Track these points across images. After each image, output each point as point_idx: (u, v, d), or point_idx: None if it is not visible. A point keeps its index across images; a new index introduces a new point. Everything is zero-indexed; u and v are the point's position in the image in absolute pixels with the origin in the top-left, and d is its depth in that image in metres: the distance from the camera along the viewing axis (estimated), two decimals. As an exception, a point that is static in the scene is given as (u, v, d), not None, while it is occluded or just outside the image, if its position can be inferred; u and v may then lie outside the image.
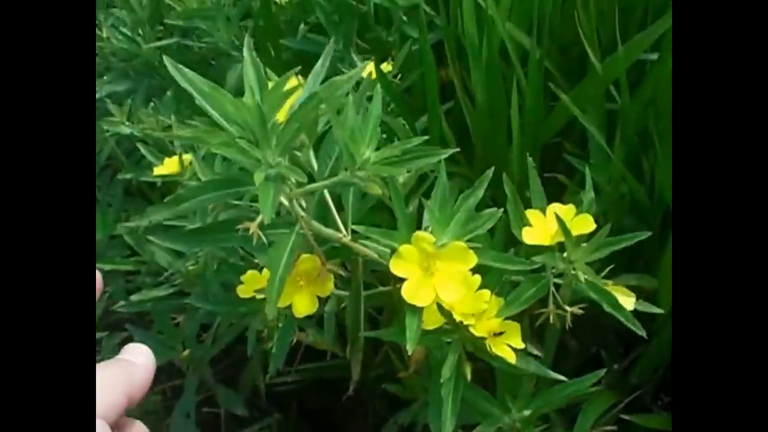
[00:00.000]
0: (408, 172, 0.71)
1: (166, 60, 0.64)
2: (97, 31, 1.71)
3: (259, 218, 0.62)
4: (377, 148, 0.63)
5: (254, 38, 1.30)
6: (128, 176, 1.38)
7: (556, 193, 0.81)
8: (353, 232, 0.71)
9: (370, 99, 0.69)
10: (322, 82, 0.67)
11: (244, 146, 0.57)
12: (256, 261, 0.94)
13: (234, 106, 0.58)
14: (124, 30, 1.61)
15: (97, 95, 1.59)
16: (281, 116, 0.61)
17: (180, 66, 0.64)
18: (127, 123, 1.37)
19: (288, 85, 0.62)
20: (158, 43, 1.53)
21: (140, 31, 1.59)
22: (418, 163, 0.65)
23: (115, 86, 1.57)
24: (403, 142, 0.65)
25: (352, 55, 1.11)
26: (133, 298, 1.17)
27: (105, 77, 1.67)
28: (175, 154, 1.19)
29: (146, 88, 1.49)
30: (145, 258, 1.32)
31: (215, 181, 0.64)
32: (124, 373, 0.44)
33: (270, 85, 0.62)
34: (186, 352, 1.21)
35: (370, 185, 0.63)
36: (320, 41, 1.17)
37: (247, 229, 0.62)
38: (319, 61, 0.69)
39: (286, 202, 0.66)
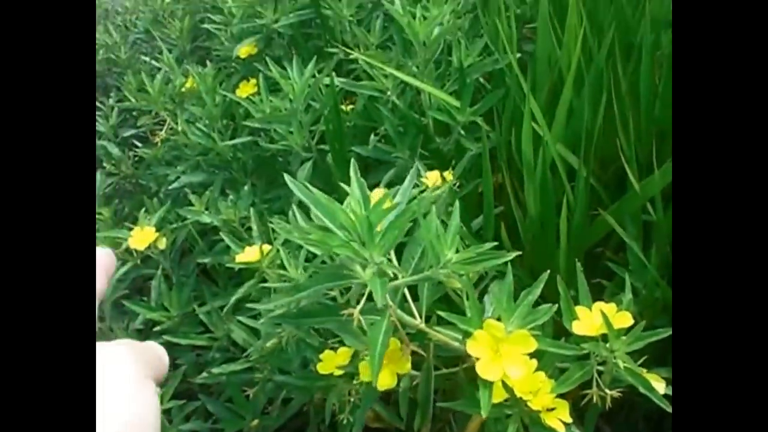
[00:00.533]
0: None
1: (288, 178, 0.79)
2: (173, 125, 1.91)
3: (360, 305, 0.77)
4: (456, 250, 0.78)
5: (324, 142, 1.49)
6: (206, 260, 1.54)
7: (596, 294, 0.95)
8: (427, 318, 0.85)
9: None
10: (388, 185, 0.82)
11: (355, 247, 0.72)
12: (331, 342, 1.08)
13: (346, 216, 0.74)
14: (200, 126, 1.80)
15: (176, 185, 1.76)
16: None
17: (296, 181, 0.80)
18: (206, 212, 1.53)
19: (376, 194, 0.77)
20: (233, 141, 1.70)
21: (214, 128, 1.77)
22: (488, 264, 0.80)
23: (192, 177, 1.75)
24: (476, 247, 0.80)
25: (416, 163, 1.27)
26: (214, 371, 1.30)
27: (179, 167, 1.85)
28: (250, 243, 1.35)
29: (222, 180, 1.66)
30: (217, 335, 1.46)
31: (326, 274, 0.79)
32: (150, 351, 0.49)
33: (371, 196, 0.77)
34: (255, 422, 1.33)
35: (451, 281, 0.78)
36: (387, 150, 1.33)
37: (349, 315, 0.77)
38: (407, 180, 0.84)
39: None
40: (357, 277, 0.75)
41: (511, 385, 0.79)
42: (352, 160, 0.82)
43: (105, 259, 0.51)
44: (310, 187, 0.79)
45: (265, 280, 1.30)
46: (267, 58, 1.84)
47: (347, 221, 0.74)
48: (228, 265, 1.34)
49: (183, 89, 1.92)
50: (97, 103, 2.52)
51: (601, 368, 0.86)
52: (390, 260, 0.78)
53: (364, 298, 0.78)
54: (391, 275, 0.76)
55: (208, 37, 2.56)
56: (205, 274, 1.72)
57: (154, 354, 0.49)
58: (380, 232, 0.74)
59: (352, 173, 0.79)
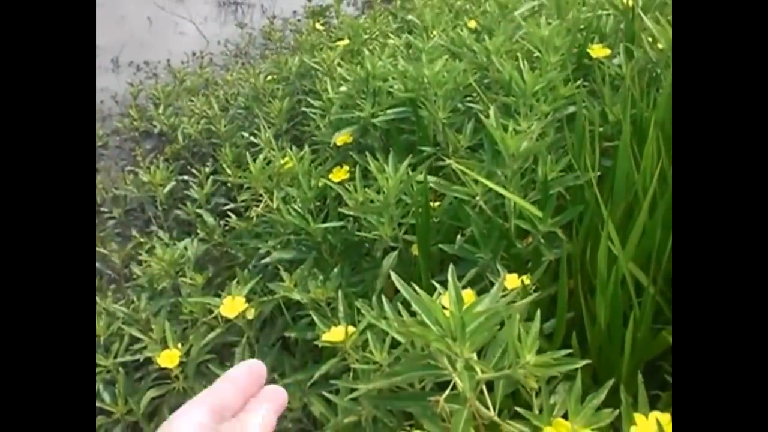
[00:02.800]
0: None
1: (393, 274, 0.91)
2: (269, 202, 2.05)
3: (445, 394, 0.87)
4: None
5: (412, 234, 1.61)
6: (291, 335, 1.66)
7: (653, 404, 1.03)
8: (499, 411, 0.95)
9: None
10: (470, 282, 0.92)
11: (449, 343, 0.83)
12: (406, 423, 1.18)
13: (443, 315, 0.85)
14: (295, 206, 1.94)
15: (268, 260, 1.90)
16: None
17: (398, 277, 0.91)
18: (295, 289, 1.66)
19: (466, 298, 0.88)
20: (325, 225, 1.84)
21: (307, 209, 1.91)
22: (562, 369, 0.90)
23: (283, 254, 1.88)
24: (552, 353, 0.90)
25: (497, 265, 1.38)
26: (292, 440, 1.41)
27: (270, 242, 1.99)
28: (335, 323, 1.47)
29: (313, 259, 1.78)
30: (293, 405, 1.57)
31: (418, 363, 0.90)
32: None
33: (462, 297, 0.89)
34: (324, 494, 1.43)
35: (528, 380, 0.88)
36: (470, 249, 1.45)
37: (435, 401, 0.87)
38: (495, 288, 0.95)
39: (459, 383, 0.90)
40: (445, 369, 0.86)
41: (574, 481, 0.87)
42: (451, 266, 0.93)
43: (280, 397, 0.58)
44: (415, 288, 0.90)
45: (344, 359, 1.42)
46: (362, 149, 2.00)
47: (443, 319, 0.85)
48: (317, 342, 1.46)
49: (281, 169, 2.07)
50: (194, 171, 2.71)
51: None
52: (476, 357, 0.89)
53: (449, 388, 0.88)
54: (477, 370, 0.86)
55: (304, 119, 2.75)
56: (283, 346, 1.83)
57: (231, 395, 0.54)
58: (471, 331, 0.85)
59: (450, 276, 0.91)
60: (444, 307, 0.87)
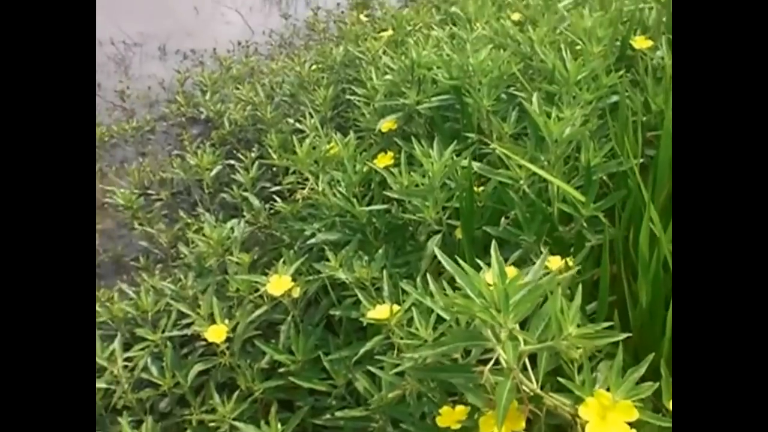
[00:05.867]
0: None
1: (437, 251, 0.95)
2: (315, 186, 2.09)
3: (489, 365, 0.91)
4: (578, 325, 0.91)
5: (453, 218, 1.64)
6: (336, 313, 1.70)
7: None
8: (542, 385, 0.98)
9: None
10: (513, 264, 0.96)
11: (493, 314, 0.86)
12: (449, 398, 1.21)
13: (486, 288, 0.88)
14: (340, 189, 1.98)
15: (313, 241, 1.94)
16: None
17: (444, 255, 0.95)
18: (340, 269, 1.70)
19: (509, 273, 0.92)
20: (370, 207, 1.88)
21: (352, 192, 1.95)
22: (603, 341, 0.92)
23: (328, 235, 1.93)
24: (594, 325, 0.93)
25: (540, 248, 1.41)
26: (337, 414, 1.45)
27: (315, 225, 2.03)
28: (379, 301, 1.51)
29: (358, 241, 1.83)
30: (337, 382, 1.61)
31: (463, 334, 0.94)
32: None
33: (507, 272, 0.92)
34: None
35: (570, 352, 0.91)
36: (514, 232, 1.47)
37: (480, 372, 0.91)
38: (537, 263, 0.98)
39: (503, 354, 0.94)
40: (489, 340, 0.89)
41: (613, 449, 0.90)
42: (494, 241, 0.96)
43: None
44: (458, 262, 0.94)
45: (388, 337, 1.46)
46: (407, 136, 2.04)
47: (487, 292, 0.88)
48: (361, 321, 1.50)
49: (327, 154, 2.11)
50: (240, 156, 2.77)
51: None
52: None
53: (493, 360, 0.92)
54: (520, 341, 0.89)
55: (348, 107, 2.79)
56: (327, 326, 1.87)
57: None
58: (514, 303, 0.88)
59: (492, 252, 0.94)
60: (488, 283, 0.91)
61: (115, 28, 4.78)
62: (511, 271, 0.97)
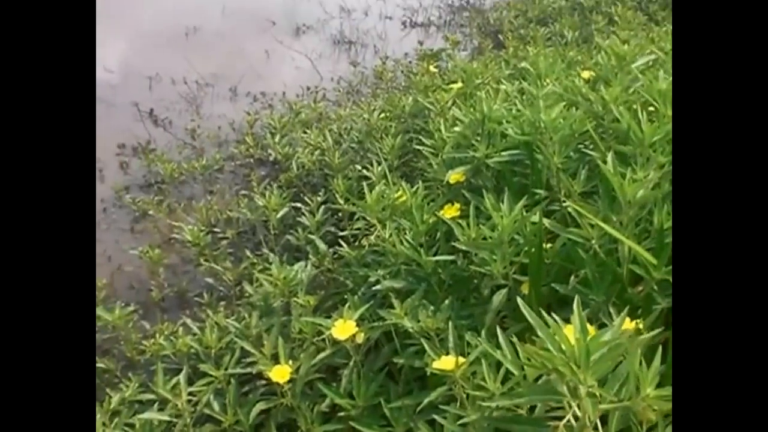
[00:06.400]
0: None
1: (520, 302, 0.96)
2: (382, 232, 2.12)
3: (565, 419, 0.91)
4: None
5: (522, 274, 1.65)
6: (399, 361, 1.71)
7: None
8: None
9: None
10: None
11: (573, 369, 0.87)
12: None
13: (569, 344, 0.89)
14: (407, 237, 2.01)
15: (378, 287, 1.96)
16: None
17: (528, 309, 0.96)
18: (405, 317, 1.72)
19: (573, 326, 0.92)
20: (437, 258, 1.90)
21: (419, 241, 1.97)
22: (681, 408, 0.92)
23: (394, 283, 1.94)
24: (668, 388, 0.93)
25: (609, 308, 1.41)
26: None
27: (380, 271, 2.05)
28: (444, 352, 1.52)
29: (423, 290, 1.84)
30: (397, 429, 1.62)
31: (538, 388, 0.94)
32: None
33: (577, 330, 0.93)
34: None
35: (647, 412, 0.91)
36: (583, 291, 1.48)
37: (555, 427, 0.91)
38: (616, 323, 0.99)
39: (580, 410, 0.94)
40: (565, 396, 0.90)
41: None
42: (577, 297, 0.97)
43: None
44: (542, 316, 0.95)
45: (451, 389, 1.47)
46: (474, 189, 2.05)
47: (568, 347, 0.89)
48: (422, 370, 1.51)
49: (395, 202, 2.14)
50: (306, 199, 2.82)
51: None
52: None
53: (569, 414, 0.92)
54: (599, 398, 0.90)
55: (415, 156, 2.83)
56: (387, 373, 1.87)
57: None
58: (595, 360, 0.89)
59: (575, 308, 0.95)
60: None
61: (189, 67, 4.93)
62: (590, 329, 0.98)
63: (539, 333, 0.93)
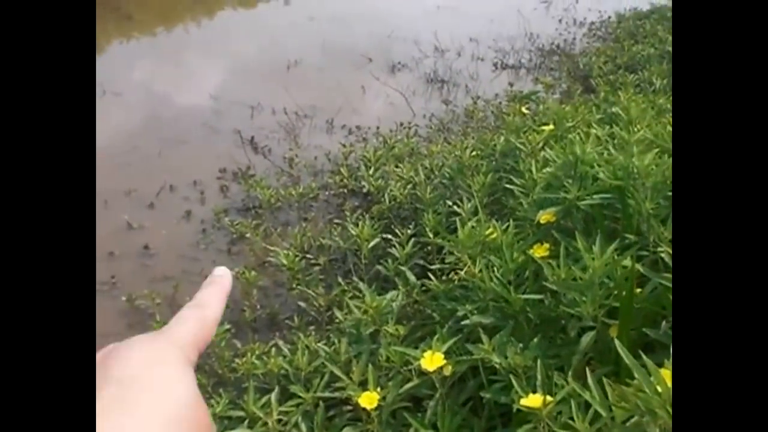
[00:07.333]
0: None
1: (617, 343, 1.00)
2: (472, 268, 2.16)
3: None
4: None
5: (609, 317, 1.67)
6: (486, 395, 1.75)
7: None
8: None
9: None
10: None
11: (669, 411, 0.91)
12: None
13: (665, 387, 0.92)
14: (497, 274, 2.05)
15: (467, 322, 2.01)
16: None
17: (624, 349, 1.00)
18: (494, 353, 1.76)
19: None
20: (526, 296, 1.93)
21: (509, 279, 2.01)
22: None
23: (482, 318, 1.99)
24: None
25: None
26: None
27: (467, 306, 2.10)
28: (530, 390, 1.55)
29: (511, 327, 1.88)
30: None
31: (630, 430, 0.98)
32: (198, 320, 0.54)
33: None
34: None
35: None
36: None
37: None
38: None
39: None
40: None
41: None
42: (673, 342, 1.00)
43: (226, 280, 0.58)
44: (639, 359, 0.99)
45: (536, 426, 1.50)
46: (563, 230, 2.08)
47: (664, 389, 0.92)
48: (507, 407, 1.54)
49: (486, 239, 2.19)
50: (396, 231, 2.89)
51: None
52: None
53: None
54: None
55: (504, 195, 2.87)
56: (471, 407, 1.91)
57: (196, 327, 0.53)
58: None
59: (672, 351, 0.98)
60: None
61: (289, 99, 5.11)
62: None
63: (636, 374, 0.97)
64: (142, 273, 3.35)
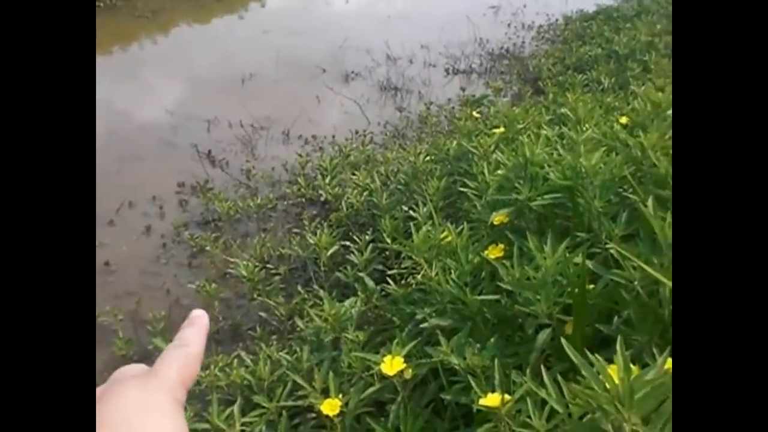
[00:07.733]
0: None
1: (564, 343, 1.03)
2: (428, 272, 2.20)
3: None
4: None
5: (565, 314, 1.71)
6: (447, 397, 1.78)
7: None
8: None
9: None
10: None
11: (618, 407, 0.94)
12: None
13: (613, 384, 0.96)
14: (453, 277, 2.08)
15: (426, 325, 2.04)
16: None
17: (573, 349, 1.03)
18: (452, 354, 1.78)
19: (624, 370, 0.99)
20: (482, 297, 1.96)
21: (465, 281, 2.04)
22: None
23: (441, 321, 2.01)
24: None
25: (651, 348, 1.46)
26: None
27: (426, 309, 2.12)
28: (489, 390, 1.58)
29: (469, 328, 1.91)
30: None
31: (584, 426, 1.01)
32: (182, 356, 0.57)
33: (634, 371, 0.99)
34: None
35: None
36: (626, 331, 1.54)
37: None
38: (659, 362, 1.05)
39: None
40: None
41: None
42: (619, 337, 1.04)
43: (204, 320, 0.61)
44: (587, 357, 1.02)
45: (496, 426, 1.52)
46: (516, 230, 2.12)
47: (612, 385, 0.96)
48: (468, 407, 1.57)
49: (441, 242, 2.22)
50: (355, 238, 2.91)
51: None
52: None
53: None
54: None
55: (459, 198, 2.91)
56: (432, 409, 1.94)
57: (181, 366, 0.56)
58: (639, 398, 0.95)
59: (618, 347, 1.02)
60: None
61: (245, 111, 5.10)
62: (634, 368, 1.04)
63: (584, 372, 1.00)
64: (103, 289, 3.33)
